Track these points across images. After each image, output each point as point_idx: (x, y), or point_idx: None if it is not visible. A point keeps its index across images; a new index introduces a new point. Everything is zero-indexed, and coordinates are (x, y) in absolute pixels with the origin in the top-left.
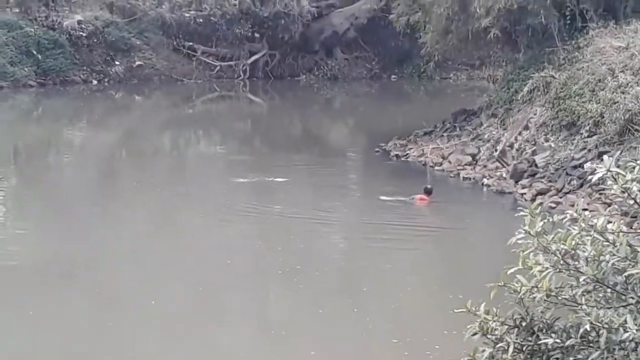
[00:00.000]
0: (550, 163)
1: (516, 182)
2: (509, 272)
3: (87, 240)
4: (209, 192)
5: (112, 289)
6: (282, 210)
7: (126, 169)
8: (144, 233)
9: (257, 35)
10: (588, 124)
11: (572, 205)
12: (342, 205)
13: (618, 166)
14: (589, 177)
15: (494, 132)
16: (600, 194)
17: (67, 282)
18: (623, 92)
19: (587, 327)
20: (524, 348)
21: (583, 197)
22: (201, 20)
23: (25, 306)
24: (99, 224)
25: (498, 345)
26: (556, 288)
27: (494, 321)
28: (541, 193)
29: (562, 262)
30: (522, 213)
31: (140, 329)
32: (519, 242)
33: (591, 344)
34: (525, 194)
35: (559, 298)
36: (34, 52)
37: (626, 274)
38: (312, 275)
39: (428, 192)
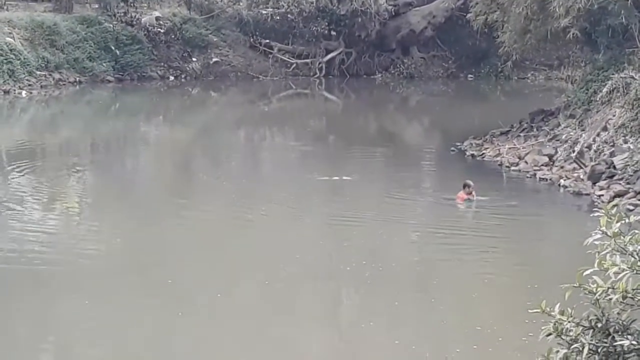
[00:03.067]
0: (628, 165)
1: (594, 183)
2: (584, 274)
3: (161, 234)
4: (282, 189)
5: (183, 283)
6: (354, 207)
7: (201, 165)
8: (216, 228)
9: (333, 33)
10: None
11: None
12: (415, 203)
13: None
14: None
15: (571, 133)
16: None
17: (139, 276)
18: None
19: None
20: (599, 350)
21: None
22: (278, 17)
23: (97, 299)
24: (173, 219)
25: (573, 347)
26: (633, 290)
27: (569, 322)
28: (619, 195)
29: (639, 263)
30: (598, 214)
31: (209, 324)
32: (596, 243)
33: None
34: (602, 195)
35: (636, 300)
36: (112, 48)
37: None
38: (381, 272)
39: (466, 185)
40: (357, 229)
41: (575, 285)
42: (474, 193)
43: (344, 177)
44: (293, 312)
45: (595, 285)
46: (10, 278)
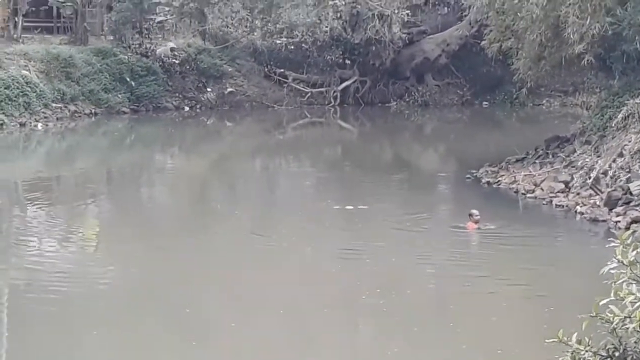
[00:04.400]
0: None
1: (610, 210)
2: (601, 303)
3: (177, 264)
4: (297, 217)
5: (198, 313)
6: (368, 235)
7: (216, 195)
8: (231, 258)
9: (348, 61)
10: None
11: None
12: (430, 231)
13: None
14: None
15: (587, 160)
16: None
17: (154, 306)
18: None
19: None
20: None
21: None
22: (292, 47)
23: (113, 329)
24: (188, 249)
25: None
26: None
27: (587, 351)
28: (636, 221)
29: None
30: (613, 244)
31: (224, 354)
32: (612, 271)
33: None
34: (619, 222)
35: None
36: (128, 79)
37: None
38: (396, 299)
39: (470, 215)
40: (371, 257)
41: (592, 315)
42: (479, 220)
43: (359, 206)
44: (310, 342)
45: (612, 314)
46: (25, 308)
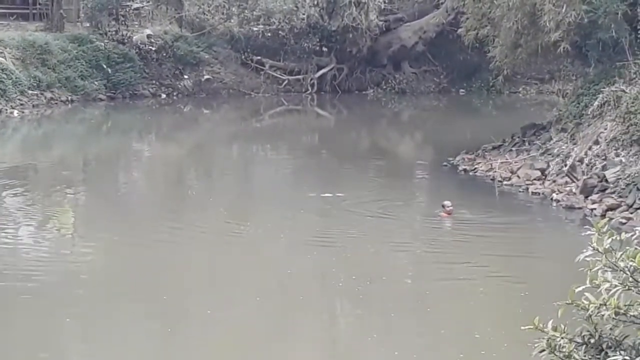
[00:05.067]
0: (620, 178)
1: (586, 197)
2: (576, 290)
3: (153, 252)
4: (273, 205)
5: (173, 300)
6: (344, 223)
7: (193, 182)
8: (207, 245)
9: (325, 49)
10: None
11: None
12: (406, 219)
13: None
14: None
15: (563, 147)
16: None
17: (129, 294)
18: None
19: None
20: None
21: None
22: (269, 34)
23: (89, 316)
24: (164, 236)
25: None
26: (625, 305)
27: (562, 338)
28: (611, 209)
29: (631, 279)
30: (589, 232)
31: (199, 341)
32: (587, 259)
33: None
34: (595, 209)
35: (628, 315)
36: (104, 66)
37: None
38: (372, 286)
39: (443, 206)
40: (347, 245)
41: (568, 302)
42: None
43: (337, 194)
44: (287, 328)
45: (587, 302)
46: (2, 296)
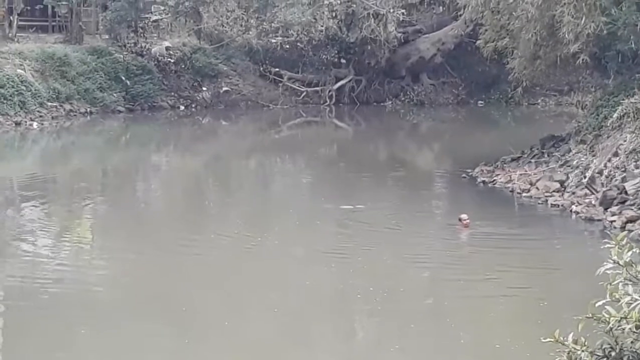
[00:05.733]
0: None
1: (605, 209)
2: (597, 304)
3: (171, 263)
4: (292, 216)
5: (192, 311)
6: (365, 235)
7: (210, 194)
8: (226, 256)
9: (343, 61)
10: None
11: None
12: (425, 230)
13: None
14: None
15: (582, 159)
16: None
17: (150, 305)
18: None
19: None
20: None
21: None
22: (288, 46)
23: (108, 327)
24: (183, 247)
25: None
26: None
27: (583, 351)
28: (631, 220)
29: None
30: (608, 245)
31: (217, 353)
32: (608, 272)
33: None
34: (614, 221)
35: None
36: (123, 78)
37: None
38: (390, 297)
39: (460, 219)
40: (364, 257)
41: (588, 315)
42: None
43: (356, 206)
44: (305, 340)
45: (608, 315)
46: (20, 308)
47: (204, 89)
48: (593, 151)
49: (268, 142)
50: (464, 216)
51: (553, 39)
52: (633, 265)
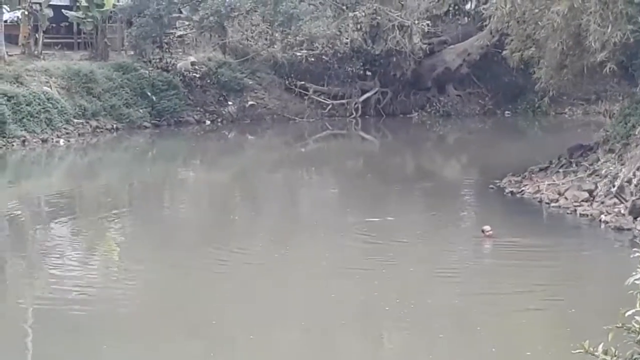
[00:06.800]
0: None
1: (635, 218)
2: (627, 314)
3: (197, 277)
4: (318, 230)
5: (220, 326)
6: (391, 247)
7: (237, 208)
8: (253, 271)
9: (368, 73)
10: None
11: None
12: (454, 242)
13: None
14: None
15: (611, 168)
16: None
17: (176, 319)
18: None
19: None
20: None
21: None
22: (313, 59)
23: (135, 343)
24: (210, 262)
25: None
26: None
27: None
28: None
29: None
30: (638, 254)
31: None
32: (637, 282)
33: None
34: None
35: None
36: (149, 94)
37: None
38: (417, 309)
39: (483, 231)
40: (391, 269)
41: (618, 325)
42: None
43: (382, 218)
44: (333, 352)
45: (638, 325)
46: (48, 324)
47: (230, 103)
48: (622, 160)
49: (294, 155)
50: (487, 227)
51: (579, 48)
52: None
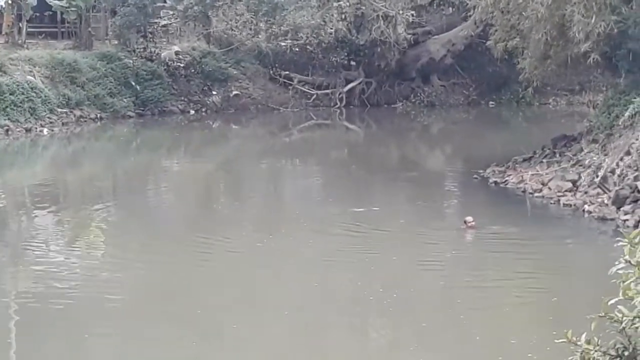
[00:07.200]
0: None
1: (618, 208)
2: (609, 303)
3: (181, 268)
4: (302, 220)
5: (204, 316)
6: (375, 237)
7: (221, 198)
8: (236, 261)
9: (353, 63)
10: None
11: None
12: (437, 232)
13: None
14: None
15: (594, 158)
16: None
17: (161, 310)
18: None
19: None
20: None
21: None
22: (297, 49)
23: (121, 334)
24: (194, 253)
25: None
26: None
27: (596, 351)
28: None
29: None
30: (621, 243)
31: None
32: (620, 271)
33: None
34: (627, 220)
35: None
36: (133, 83)
37: None
38: (400, 298)
39: (465, 222)
40: (375, 258)
41: (601, 314)
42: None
43: (367, 208)
44: (318, 342)
45: (621, 314)
46: (32, 313)
47: (214, 93)
48: (605, 150)
49: (279, 145)
50: (469, 218)
51: (563, 39)
52: None
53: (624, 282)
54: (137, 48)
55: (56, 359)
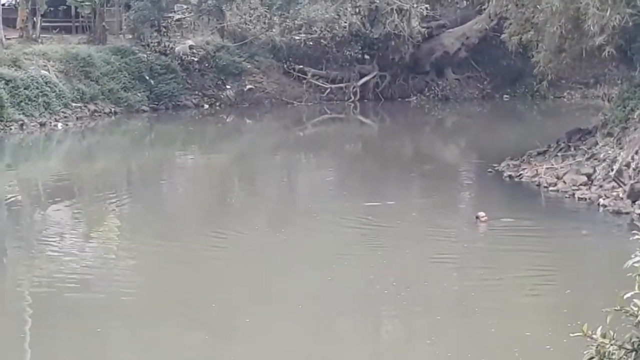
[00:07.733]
0: None
1: (633, 202)
2: (625, 296)
3: (195, 261)
4: (316, 214)
5: (218, 309)
6: (388, 231)
7: (236, 192)
8: (251, 254)
9: (367, 56)
10: None
11: None
12: (451, 225)
13: None
14: None
15: (609, 152)
16: None
17: (174, 303)
18: None
19: None
20: None
21: None
22: (311, 43)
23: (134, 327)
24: (207, 246)
25: None
26: None
27: (611, 345)
28: None
29: None
30: (637, 237)
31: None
32: (636, 265)
33: None
34: None
35: None
36: (147, 78)
37: None
38: (414, 292)
39: (477, 217)
40: (388, 252)
41: (616, 308)
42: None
43: (381, 202)
44: (332, 335)
45: (636, 308)
46: (47, 306)
47: (228, 87)
48: (620, 144)
49: (293, 139)
50: (481, 214)
51: (578, 32)
52: None
53: (639, 275)
54: (151, 42)
55: (70, 352)
